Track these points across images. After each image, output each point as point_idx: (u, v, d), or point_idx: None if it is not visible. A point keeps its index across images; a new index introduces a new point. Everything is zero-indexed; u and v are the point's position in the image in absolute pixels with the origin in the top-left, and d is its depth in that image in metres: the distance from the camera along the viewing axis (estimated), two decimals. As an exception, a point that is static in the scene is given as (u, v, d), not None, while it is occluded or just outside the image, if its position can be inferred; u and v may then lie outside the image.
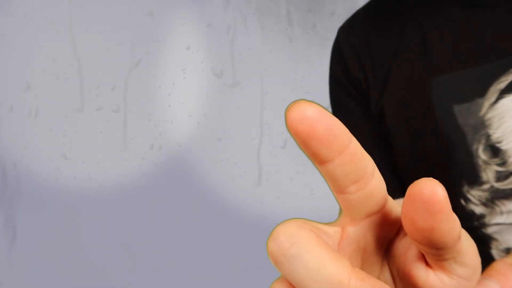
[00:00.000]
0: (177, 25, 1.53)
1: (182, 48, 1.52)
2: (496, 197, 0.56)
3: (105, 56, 1.54)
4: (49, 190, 1.56)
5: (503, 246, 0.58)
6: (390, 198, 0.22)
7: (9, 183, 1.58)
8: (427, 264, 0.22)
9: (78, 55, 1.56)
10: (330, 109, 0.72)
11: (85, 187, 1.55)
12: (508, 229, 0.57)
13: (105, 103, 1.55)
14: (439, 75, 0.58)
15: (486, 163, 0.56)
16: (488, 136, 0.55)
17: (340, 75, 0.68)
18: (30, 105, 1.58)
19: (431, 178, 0.18)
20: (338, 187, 0.20)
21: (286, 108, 0.18)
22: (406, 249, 0.22)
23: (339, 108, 0.69)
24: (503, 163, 0.55)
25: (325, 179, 0.20)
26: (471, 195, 0.57)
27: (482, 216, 0.58)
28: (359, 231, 0.21)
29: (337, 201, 0.21)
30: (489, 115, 0.55)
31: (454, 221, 0.19)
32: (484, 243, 0.59)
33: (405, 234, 0.22)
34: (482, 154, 0.56)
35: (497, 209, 0.56)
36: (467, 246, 0.21)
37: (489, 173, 0.56)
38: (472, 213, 0.58)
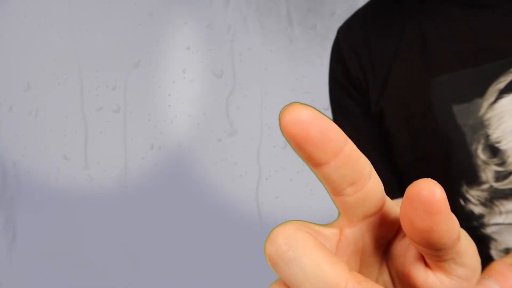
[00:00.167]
0: (177, 25, 1.53)
1: (182, 48, 1.52)
2: (495, 197, 0.56)
3: (105, 56, 1.54)
4: (49, 190, 1.56)
5: (502, 246, 0.58)
6: (388, 199, 0.22)
7: (9, 183, 1.58)
8: (426, 265, 0.22)
9: (78, 55, 1.56)
10: (330, 109, 0.72)
11: (85, 187, 1.55)
12: (507, 229, 0.57)
13: (105, 103, 1.55)
14: (439, 75, 0.58)
15: (485, 163, 0.56)
16: (487, 136, 0.55)
17: (339, 75, 0.68)
18: (30, 105, 1.58)
19: (429, 178, 0.18)
20: (334, 190, 0.20)
21: (280, 111, 0.18)
22: (405, 250, 0.22)
23: (339, 108, 0.69)
24: (502, 163, 0.55)
25: (321, 182, 0.20)
26: (470, 195, 0.57)
27: (481, 216, 0.58)
28: (357, 233, 0.21)
29: (334, 203, 0.21)
30: (488, 115, 0.55)
31: (453, 221, 0.19)
32: (483, 244, 0.58)
33: (404, 235, 0.22)
34: (481, 154, 0.56)
35: (496, 209, 0.56)
36: (467, 246, 0.21)
37: (488, 173, 0.56)
38: (471, 213, 0.58)
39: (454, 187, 0.58)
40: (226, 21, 1.50)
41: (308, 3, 1.47)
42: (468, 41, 0.57)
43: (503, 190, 0.55)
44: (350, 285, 0.18)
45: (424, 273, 0.21)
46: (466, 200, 0.58)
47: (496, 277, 0.26)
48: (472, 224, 0.59)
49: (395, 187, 0.63)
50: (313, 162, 0.19)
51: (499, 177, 0.55)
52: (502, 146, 0.55)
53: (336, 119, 0.69)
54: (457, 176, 0.57)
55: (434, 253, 0.20)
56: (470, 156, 0.56)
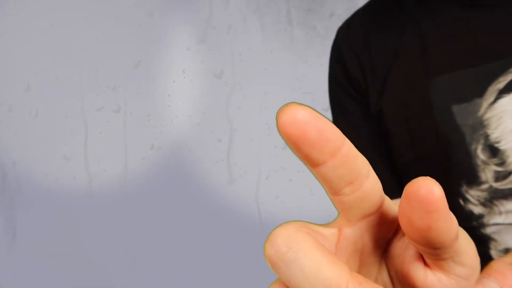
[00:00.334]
0: (177, 25, 1.53)
1: (182, 48, 1.52)
2: (494, 197, 0.56)
3: (105, 56, 1.54)
4: (49, 190, 1.56)
5: (502, 246, 0.58)
6: (387, 198, 0.22)
7: (9, 183, 1.58)
8: (425, 264, 0.22)
9: (78, 55, 1.56)
10: (330, 110, 0.72)
11: (85, 187, 1.55)
12: (507, 230, 0.57)
13: (105, 103, 1.55)
14: (438, 75, 0.58)
15: (484, 163, 0.56)
16: (486, 136, 0.55)
17: (339, 75, 0.68)
18: (30, 105, 1.58)
19: (427, 177, 0.18)
20: (332, 189, 0.20)
21: (278, 111, 0.18)
22: (404, 249, 0.22)
23: (338, 108, 0.69)
24: (501, 163, 0.55)
25: (319, 181, 0.20)
26: (470, 195, 0.57)
27: (480, 216, 0.58)
28: (356, 232, 0.21)
29: (333, 203, 0.21)
30: (487, 115, 0.55)
31: (451, 220, 0.19)
32: (483, 244, 0.58)
33: (403, 234, 0.22)
34: (480, 154, 0.56)
35: (496, 209, 0.56)
36: (466, 245, 0.21)
37: (487, 173, 0.56)
38: (471, 213, 0.58)
39: (454, 187, 0.58)
40: (226, 21, 1.50)
41: (308, 3, 1.47)
42: (468, 41, 0.57)
43: (502, 190, 0.55)
44: (351, 285, 0.18)
45: (423, 272, 0.21)
46: (466, 200, 0.58)
47: (496, 276, 0.26)
48: (471, 224, 0.59)
49: (395, 187, 0.63)
50: (311, 162, 0.19)
51: (499, 177, 0.55)
52: (502, 146, 0.55)
53: (336, 119, 0.69)
54: (456, 176, 0.57)
55: (433, 252, 0.20)
56: (469, 156, 0.56)
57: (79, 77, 1.56)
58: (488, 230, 0.58)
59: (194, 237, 1.50)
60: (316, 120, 0.18)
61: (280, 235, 0.19)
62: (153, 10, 1.53)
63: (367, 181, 0.20)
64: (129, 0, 1.53)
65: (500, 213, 0.56)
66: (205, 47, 1.51)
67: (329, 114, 0.71)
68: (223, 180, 1.49)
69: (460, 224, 0.20)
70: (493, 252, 0.58)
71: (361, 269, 0.23)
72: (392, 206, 0.22)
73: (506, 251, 0.57)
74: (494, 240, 0.58)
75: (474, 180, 0.57)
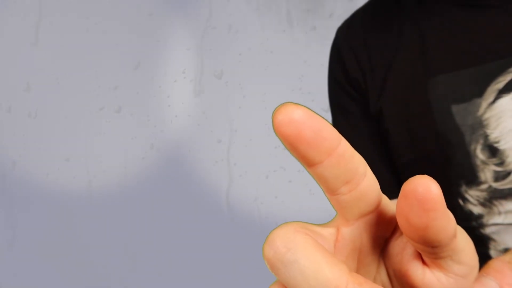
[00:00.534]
0: (177, 26, 1.53)
1: (182, 48, 1.52)
2: (494, 197, 0.56)
3: (106, 56, 1.55)
4: (49, 190, 1.56)
5: (502, 246, 0.57)
6: (385, 197, 0.22)
7: (9, 183, 1.58)
8: (423, 262, 0.22)
9: (78, 55, 1.56)
10: (330, 110, 0.72)
11: (85, 187, 1.55)
12: (506, 230, 0.57)
13: (106, 103, 1.55)
14: (438, 75, 0.58)
15: (484, 163, 0.56)
16: (486, 136, 0.55)
17: (339, 75, 0.68)
18: (30, 105, 1.58)
19: (425, 175, 0.18)
20: (329, 189, 0.20)
21: (273, 111, 0.18)
22: (402, 248, 0.22)
23: (338, 108, 0.69)
24: (501, 163, 0.55)
25: (316, 181, 0.20)
26: (469, 195, 0.57)
27: (480, 216, 0.58)
28: (354, 232, 0.21)
29: (330, 202, 0.21)
30: (487, 115, 0.55)
31: (449, 218, 0.19)
32: (482, 244, 0.58)
33: (401, 234, 0.22)
34: (480, 154, 0.56)
35: (495, 209, 0.56)
36: (464, 243, 0.21)
37: (487, 173, 0.56)
38: (470, 213, 0.58)
39: (453, 187, 0.58)
40: (226, 21, 1.50)
41: (308, 3, 1.47)
42: (467, 41, 0.57)
43: (502, 190, 0.55)
44: (351, 286, 0.18)
45: (421, 271, 0.21)
46: (465, 200, 0.58)
47: (494, 275, 0.26)
48: (471, 224, 0.59)
49: (395, 187, 0.63)
50: (307, 162, 0.19)
51: (498, 177, 0.55)
52: (501, 146, 0.55)
53: (336, 119, 0.69)
54: (456, 176, 0.57)
55: (431, 251, 0.20)
56: (469, 156, 0.56)
57: (79, 77, 1.56)
58: (488, 230, 0.58)
59: (194, 237, 1.50)
60: (311, 120, 0.18)
61: (278, 237, 0.19)
62: (153, 10, 1.53)
63: (364, 180, 0.20)
64: (129, 0, 1.54)
65: (500, 213, 0.56)
66: (205, 47, 1.51)
67: (329, 115, 0.72)
68: (223, 180, 1.49)
69: (460, 224, 0.20)
70: (492, 252, 0.58)
71: (359, 268, 0.23)
72: (390, 205, 0.22)
73: (506, 251, 0.57)
74: (494, 240, 0.58)
75: (473, 180, 0.57)
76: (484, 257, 0.58)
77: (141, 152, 1.53)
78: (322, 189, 0.20)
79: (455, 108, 0.56)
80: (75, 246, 1.55)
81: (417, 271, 0.21)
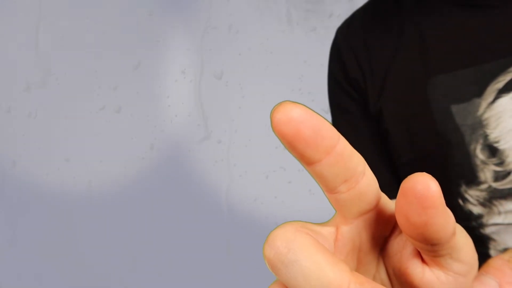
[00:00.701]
0: (177, 26, 1.53)
1: (182, 48, 1.52)
2: (494, 197, 0.56)
3: (106, 56, 1.55)
4: (49, 190, 1.56)
5: (501, 246, 0.57)
6: (384, 196, 0.22)
7: (9, 183, 1.58)
8: (423, 261, 0.22)
9: (78, 56, 1.56)
10: (330, 110, 0.72)
11: (85, 187, 1.55)
12: (506, 229, 0.57)
13: (106, 104, 1.55)
14: (437, 75, 0.58)
15: (484, 163, 0.56)
16: (485, 136, 0.55)
17: (339, 75, 0.68)
18: (30, 105, 1.58)
19: (424, 173, 0.18)
20: (328, 187, 0.20)
21: (271, 110, 0.18)
22: (401, 246, 0.22)
23: (338, 109, 0.69)
24: (501, 163, 0.55)
25: (315, 180, 0.20)
26: (469, 195, 0.57)
27: (480, 216, 0.58)
28: (353, 230, 0.21)
29: (329, 201, 0.21)
30: (486, 115, 0.55)
31: (448, 216, 0.19)
32: (482, 244, 0.58)
33: (400, 232, 0.22)
34: (480, 154, 0.56)
35: (495, 209, 0.56)
36: (463, 242, 0.21)
37: (487, 173, 0.56)
38: (470, 213, 0.58)
39: (453, 187, 0.58)
40: (226, 21, 1.50)
41: (308, 3, 1.47)
42: (467, 41, 0.57)
43: (502, 190, 0.55)
44: (352, 286, 0.18)
45: (421, 269, 0.21)
46: (465, 200, 0.58)
47: (494, 273, 0.26)
48: (471, 224, 0.59)
49: (395, 186, 0.63)
50: (306, 160, 0.18)
51: (498, 177, 0.55)
52: (501, 145, 0.55)
53: (336, 119, 0.69)
54: (455, 176, 0.57)
55: (430, 248, 0.20)
56: (468, 156, 0.56)
57: (79, 77, 1.56)
58: (487, 230, 0.58)
59: (194, 237, 1.50)
60: (310, 118, 0.18)
61: (279, 237, 0.18)
62: (153, 10, 1.53)
63: (363, 179, 0.20)
64: (129, 0, 1.54)
65: (499, 213, 0.56)
66: (205, 47, 1.51)
67: (329, 116, 0.72)
68: (223, 180, 1.49)
69: (459, 224, 0.20)
70: (492, 252, 0.58)
71: (359, 267, 0.23)
72: (389, 203, 0.22)
73: (506, 251, 0.57)
74: (494, 240, 0.58)
75: (473, 180, 0.57)
76: (484, 257, 0.58)
77: (141, 152, 1.53)
78: (321, 188, 0.20)
79: (455, 108, 0.56)
80: (75, 246, 1.55)
81: (417, 270, 0.21)
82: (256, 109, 1.48)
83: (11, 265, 1.58)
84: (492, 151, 0.55)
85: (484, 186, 0.56)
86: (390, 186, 0.61)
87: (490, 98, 0.55)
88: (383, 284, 0.23)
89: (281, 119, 0.17)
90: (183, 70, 1.52)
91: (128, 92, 1.54)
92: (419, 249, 0.21)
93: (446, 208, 0.18)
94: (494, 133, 0.55)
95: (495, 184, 0.55)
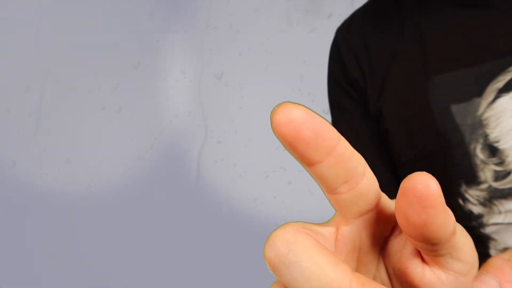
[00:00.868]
0: (177, 26, 1.53)
1: (182, 48, 1.52)
2: (494, 196, 0.56)
3: (106, 57, 1.55)
4: (49, 190, 1.56)
5: (502, 246, 0.57)
6: (384, 195, 0.22)
7: (9, 183, 1.58)
8: (423, 260, 0.22)
9: (78, 56, 1.56)
10: (329, 110, 0.72)
11: (85, 187, 1.55)
12: (506, 229, 0.57)
13: (106, 104, 1.55)
14: (437, 75, 0.58)
15: (484, 162, 0.56)
16: (485, 136, 0.55)
17: (338, 75, 0.68)
18: (30, 105, 1.58)
19: (424, 172, 0.18)
20: (328, 188, 0.20)
21: (272, 111, 0.18)
22: (401, 246, 0.22)
23: (338, 109, 0.69)
24: (501, 163, 0.55)
25: (315, 180, 0.20)
26: (469, 194, 0.57)
27: (480, 216, 0.58)
28: (354, 230, 0.21)
29: (329, 201, 0.21)
30: (486, 115, 0.55)
31: (448, 215, 0.19)
32: (482, 243, 0.58)
33: (400, 232, 0.22)
34: (480, 154, 0.56)
35: (495, 208, 0.56)
36: (463, 241, 0.21)
37: (487, 173, 0.56)
38: (470, 213, 0.58)
39: (453, 187, 0.58)
40: (226, 21, 1.50)
41: (308, 3, 1.47)
42: (467, 40, 0.57)
43: (502, 189, 0.55)
44: (354, 286, 0.18)
45: (421, 268, 0.21)
46: (465, 200, 0.58)
47: (494, 273, 0.26)
48: (471, 224, 0.59)
49: (395, 187, 0.62)
50: (306, 162, 0.18)
51: (498, 176, 0.55)
52: (501, 145, 0.55)
53: (336, 119, 0.69)
54: (456, 176, 0.57)
55: (430, 248, 0.20)
56: (468, 156, 0.56)
57: (79, 77, 1.56)
58: (488, 230, 0.58)
59: (194, 237, 1.50)
60: (310, 119, 0.18)
61: (279, 237, 0.18)
62: (153, 10, 1.53)
63: (364, 179, 0.20)
64: (129, 0, 1.54)
65: (500, 212, 0.56)
66: (205, 47, 1.51)
67: (329, 116, 0.72)
68: (223, 180, 1.49)
69: (460, 224, 0.20)
70: (492, 252, 0.58)
71: (359, 267, 0.23)
72: (389, 203, 0.22)
73: (506, 250, 0.57)
74: (494, 239, 0.58)
75: (473, 179, 0.56)
76: (484, 257, 0.58)
77: (141, 152, 1.53)
78: (321, 188, 0.20)
79: (455, 108, 0.56)
80: (75, 246, 1.55)
81: (417, 269, 0.21)
82: (256, 109, 1.48)
83: (11, 265, 1.58)
84: (492, 150, 0.55)
85: (484, 186, 0.56)
86: (390, 186, 0.61)
87: (490, 98, 0.55)
88: (383, 284, 0.23)
89: (281, 120, 0.17)
90: (183, 70, 1.52)
91: (128, 92, 1.54)
92: (419, 249, 0.21)
93: (446, 207, 0.18)
94: (494, 133, 0.55)
95: (495, 183, 0.55)
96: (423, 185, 0.18)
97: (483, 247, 0.59)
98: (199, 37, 1.52)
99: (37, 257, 1.57)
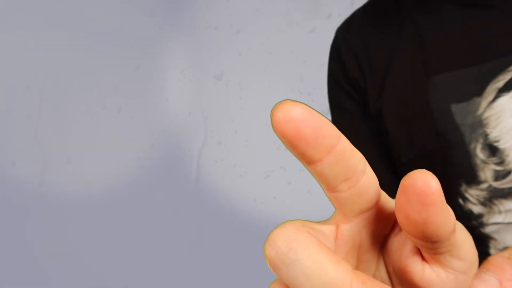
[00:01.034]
0: (177, 26, 1.53)
1: (183, 48, 1.52)
2: (494, 196, 0.56)
3: (106, 57, 1.55)
4: (49, 190, 1.56)
5: (502, 245, 0.57)
6: (384, 194, 0.22)
7: (9, 183, 1.58)
8: (423, 258, 0.22)
9: (78, 56, 1.56)
10: (329, 110, 0.72)
11: (85, 187, 1.55)
12: (507, 229, 0.57)
13: (106, 103, 1.55)
14: (437, 75, 0.58)
15: (484, 162, 0.56)
16: (485, 135, 0.55)
17: (338, 75, 0.68)
18: (30, 105, 1.58)
19: (424, 170, 0.18)
20: (328, 186, 0.20)
21: (272, 109, 0.17)
22: (401, 244, 0.22)
23: (338, 108, 0.69)
24: (501, 162, 0.55)
25: (315, 178, 0.19)
26: (469, 194, 0.57)
27: (480, 215, 0.58)
28: (354, 228, 0.21)
29: (330, 199, 0.21)
30: (486, 114, 0.55)
31: (448, 213, 0.19)
32: (482, 243, 0.58)
33: (400, 230, 0.22)
34: (480, 153, 0.55)
35: (495, 208, 0.56)
36: (463, 239, 0.21)
37: (487, 172, 0.56)
38: (470, 212, 0.58)
39: (453, 187, 0.58)
40: (226, 21, 1.50)
41: (308, 3, 1.47)
42: (467, 40, 0.57)
43: (502, 189, 0.55)
44: (355, 285, 0.18)
45: (421, 267, 0.21)
46: (465, 199, 0.58)
47: (494, 271, 0.26)
48: (471, 224, 0.59)
49: (395, 186, 0.62)
50: (306, 160, 0.18)
51: (498, 176, 0.55)
52: (501, 145, 0.55)
53: (336, 119, 0.69)
54: (456, 176, 0.57)
55: (430, 246, 0.20)
56: (468, 156, 0.56)
57: (79, 78, 1.56)
58: (488, 230, 0.58)
59: (194, 237, 1.50)
60: (311, 117, 0.18)
61: (280, 236, 0.18)
62: (153, 11, 1.53)
63: (364, 177, 0.20)
64: (129, 0, 1.54)
65: (500, 212, 0.56)
66: (205, 47, 1.51)
67: (329, 116, 0.72)
68: (223, 180, 1.49)
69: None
70: (492, 251, 0.58)
71: (359, 265, 0.23)
72: (389, 201, 0.22)
73: (505, 249, 0.57)
74: (494, 239, 0.58)
75: (473, 179, 0.56)
76: (484, 256, 0.58)
77: (141, 152, 1.53)
78: (321, 187, 0.20)
79: (455, 108, 0.56)
80: (75, 246, 1.55)
81: (417, 267, 0.21)
82: (256, 109, 1.48)
83: (11, 265, 1.58)
84: (492, 150, 0.55)
85: (484, 186, 0.56)
86: (390, 186, 0.61)
87: (490, 97, 0.55)
88: (383, 282, 0.23)
89: (281, 118, 0.17)
90: (183, 70, 1.52)
91: (128, 92, 1.54)
92: (419, 247, 0.21)
93: (446, 205, 0.18)
94: (494, 132, 0.55)
95: (495, 183, 0.55)
96: (423, 182, 0.18)
97: (483, 247, 0.59)
98: (199, 37, 1.52)
99: (37, 257, 1.57)
